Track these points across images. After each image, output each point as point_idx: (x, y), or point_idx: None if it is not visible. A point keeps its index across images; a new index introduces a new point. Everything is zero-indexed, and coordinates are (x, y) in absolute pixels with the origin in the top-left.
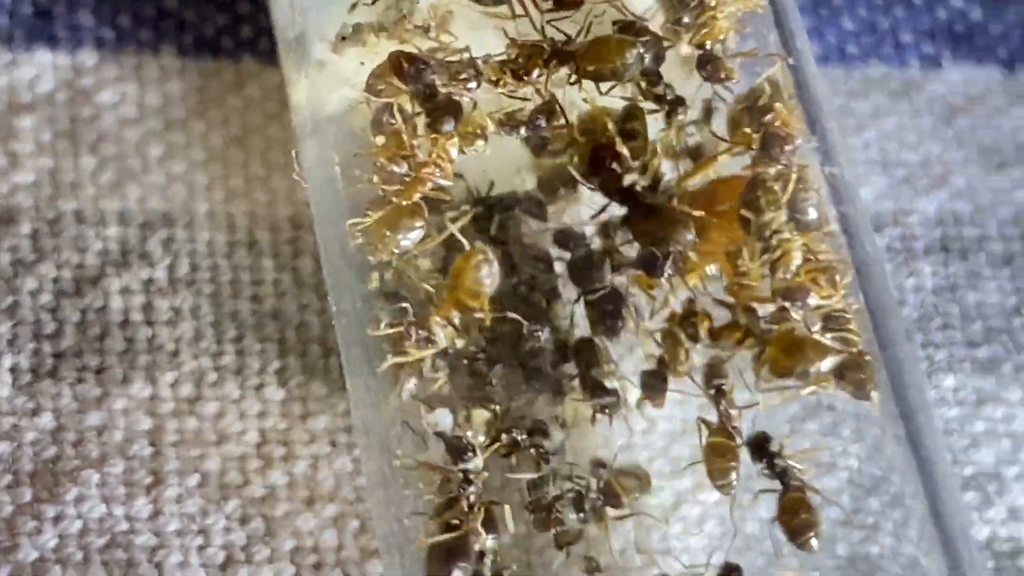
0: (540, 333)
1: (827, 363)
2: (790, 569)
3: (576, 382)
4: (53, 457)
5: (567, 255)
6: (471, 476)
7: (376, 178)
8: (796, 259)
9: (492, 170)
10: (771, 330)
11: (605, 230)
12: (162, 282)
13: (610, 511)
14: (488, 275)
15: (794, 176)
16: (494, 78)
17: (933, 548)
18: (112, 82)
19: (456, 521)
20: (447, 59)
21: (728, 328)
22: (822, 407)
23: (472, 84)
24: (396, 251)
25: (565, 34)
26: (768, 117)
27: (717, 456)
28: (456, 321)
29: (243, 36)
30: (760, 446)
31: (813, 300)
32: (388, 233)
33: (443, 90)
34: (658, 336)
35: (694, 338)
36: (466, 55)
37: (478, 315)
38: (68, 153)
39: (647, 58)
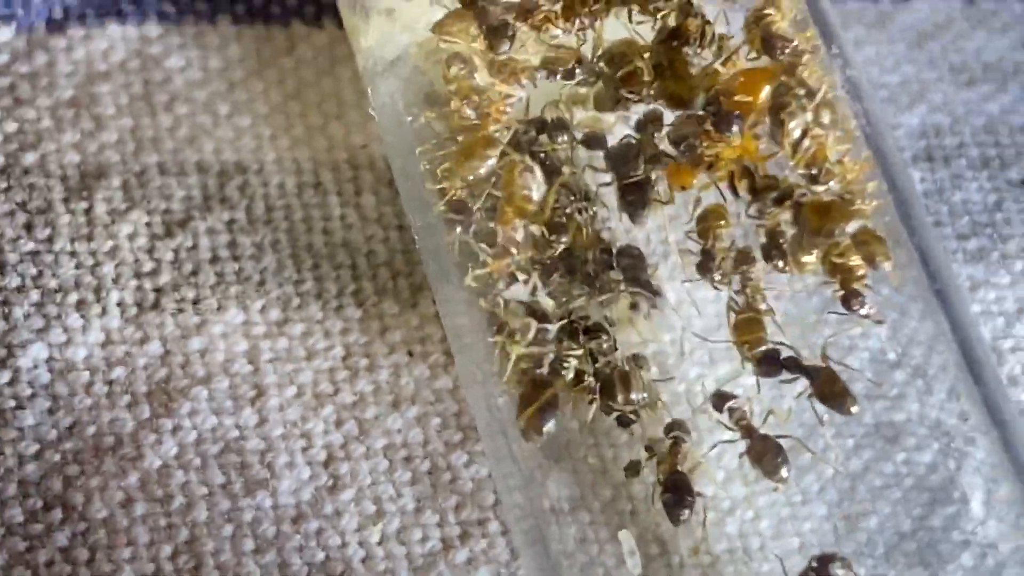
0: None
1: (852, 225)
2: (827, 435)
3: (622, 286)
4: (164, 378)
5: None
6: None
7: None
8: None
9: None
10: (805, 192)
11: (641, 125)
12: (243, 222)
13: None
14: (532, 181)
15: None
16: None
17: (966, 410)
18: (177, 49)
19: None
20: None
21: (767, 187)
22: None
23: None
24: (472, 178)
25: None
26: (766, 20)
27: (746, 331)
28: (520, 232)
29: (289, 4)
30: (775, 359)
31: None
32: (464, 162)
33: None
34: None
35: (734, 192)
36: None
37: (534, 222)
38: (145, 113)
39: None
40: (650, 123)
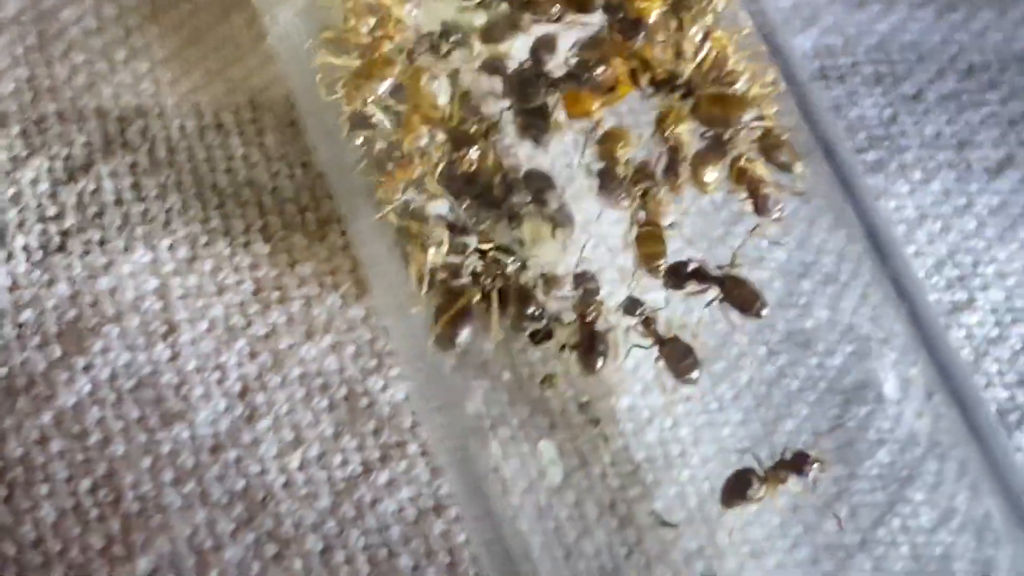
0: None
1: (748, 116)
2: (741, 342)
3: (529, 207)
4: (74, 318)
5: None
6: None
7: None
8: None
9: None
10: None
11: (535, 50)
12: (145, 165)
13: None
14: (439, 87)
15: None
16: None
17: (878, 314)
18: (70, 1)
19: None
20: None
21: (668, 80)
22: (748, 215)
23: None
24: (371, 97)
25: None
26: None
27: (647, 245)
28: (424, 139)
29: None
30: (681, 272)
31: (741, 85)
32: (364, 82)
33: None
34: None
35: (636, 84)
36: None
37: (440, 128)
38: (41, 63)
39: None
40: (543, 47)
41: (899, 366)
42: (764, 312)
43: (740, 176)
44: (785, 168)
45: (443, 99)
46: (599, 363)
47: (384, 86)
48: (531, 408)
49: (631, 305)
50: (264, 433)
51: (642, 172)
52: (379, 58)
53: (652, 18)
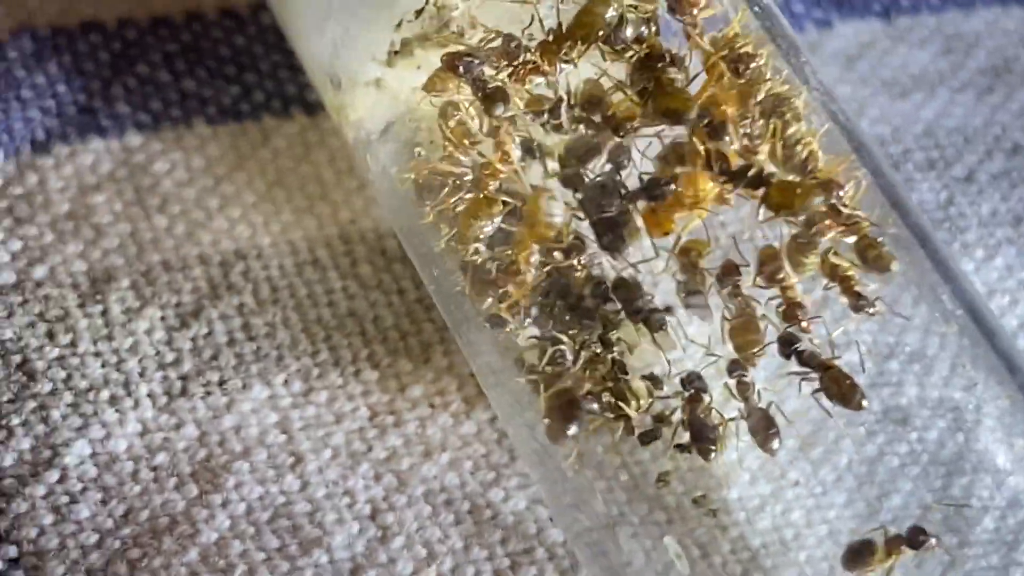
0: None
1: (819, 199)
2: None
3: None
4: (205, 457)
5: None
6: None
7: (445, 166)
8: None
9: None
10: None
11: (613, 165)
12: (251, 305)
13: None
14: (556, 207)
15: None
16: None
17: (969, 385)
18: (160, 155)
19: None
20: (488, 46)
21: (741, 170)
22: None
23: (520, 58)
24: (482, 237)
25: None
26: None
27: (742, 333)
28: (535, 257)
29: (256, 100)
30: (788, 342)
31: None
32: (473, 223)
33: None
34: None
35: (710, 167)
36: (499, 40)
37: (556, 247)
38: (141, 217)
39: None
40: (617, 156)
41: (1005, 434)
42: (864, 404)
43: (832, 272)
44: (883, 270)
45: (560, 219)
46: (714, 449)
47: (491, 225)
48: (649, 505)
49: (733, 366)
50: (398, 552)
51: (728, 267)
52: (483, 199)
53: (744, 127)
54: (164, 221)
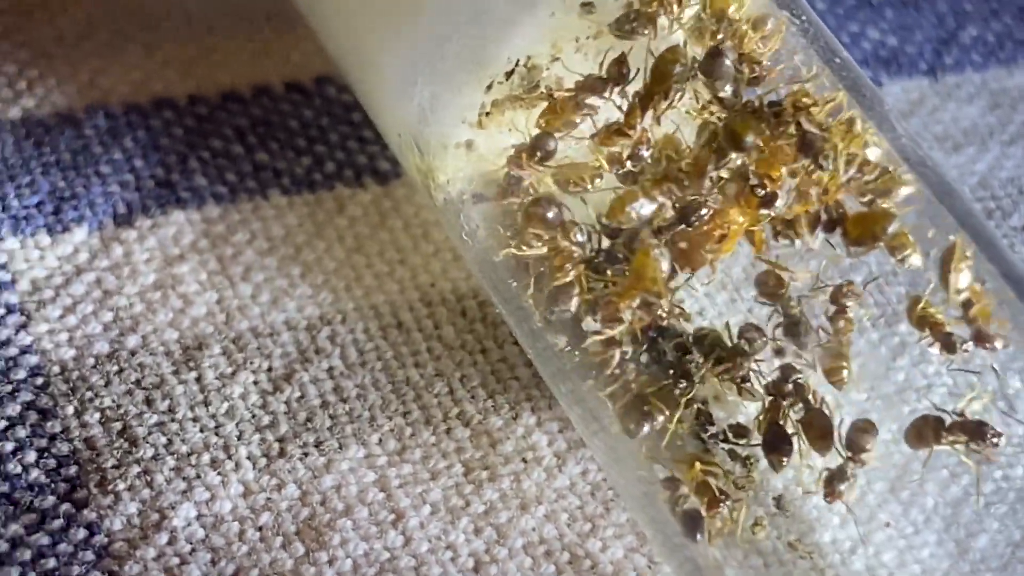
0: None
1: (894, 226)
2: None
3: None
4: (308, 516)
5: None
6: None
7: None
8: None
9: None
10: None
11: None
12: (341, 368)
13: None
14: (664, 261)
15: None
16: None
17: None
18: (239, 225)
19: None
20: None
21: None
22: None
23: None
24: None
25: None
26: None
27: (832, 359)
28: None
29: (328, 171)
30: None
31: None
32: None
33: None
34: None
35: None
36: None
37: (657, 300)
38: (226, 285)
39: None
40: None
41: None
42: (999, 442)
43: (921, 322)
44: (987, 344)
45: (666, 273)
46: (784, 462)
47: (571, 305)
48: (744, 551)
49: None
50: None
51: (839, 290)
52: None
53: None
54: (249, 289)
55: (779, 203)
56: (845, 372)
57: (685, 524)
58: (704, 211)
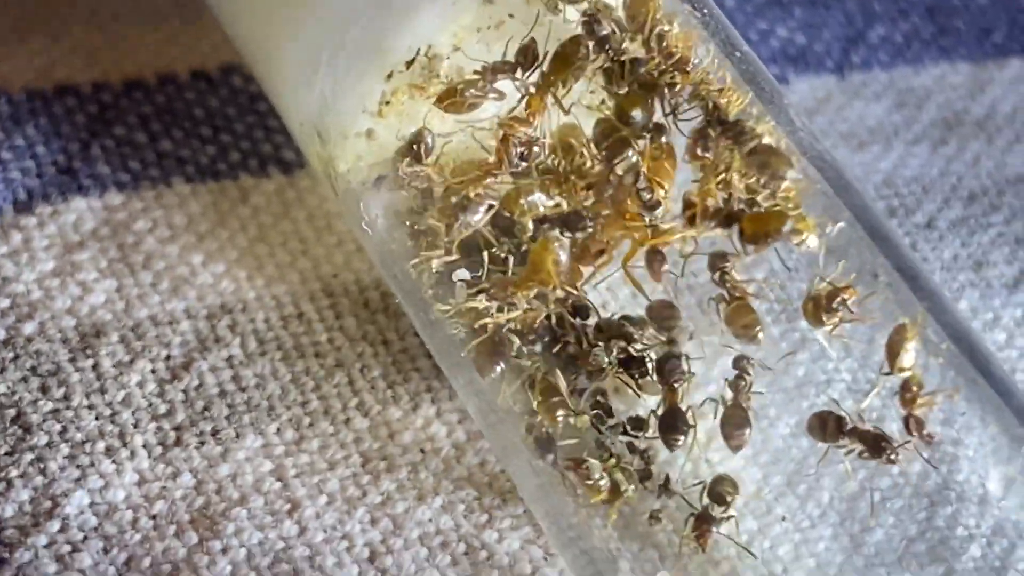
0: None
1: (787, 226)
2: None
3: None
4: (203, 505)
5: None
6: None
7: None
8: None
9: None
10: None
11: None
12: (240, 357)
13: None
14: (563, 252)
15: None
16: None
17: (948, 418)
18: (141, 213)
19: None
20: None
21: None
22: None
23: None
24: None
25: None
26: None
27: (739, 316)
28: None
29: (233, 160)
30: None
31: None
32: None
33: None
34: None
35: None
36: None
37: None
38: (126, 273)
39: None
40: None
41: (982, 463)
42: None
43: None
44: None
45: (565, 264)
46: (679, 441)
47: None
48: (640, 543)
49: (737, 360)
50: None
51: (715, 257)
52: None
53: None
54: (149, 277)
55: (659, 211)
56: (758, 328)
57: (539, 446)
58: (589, 223)
